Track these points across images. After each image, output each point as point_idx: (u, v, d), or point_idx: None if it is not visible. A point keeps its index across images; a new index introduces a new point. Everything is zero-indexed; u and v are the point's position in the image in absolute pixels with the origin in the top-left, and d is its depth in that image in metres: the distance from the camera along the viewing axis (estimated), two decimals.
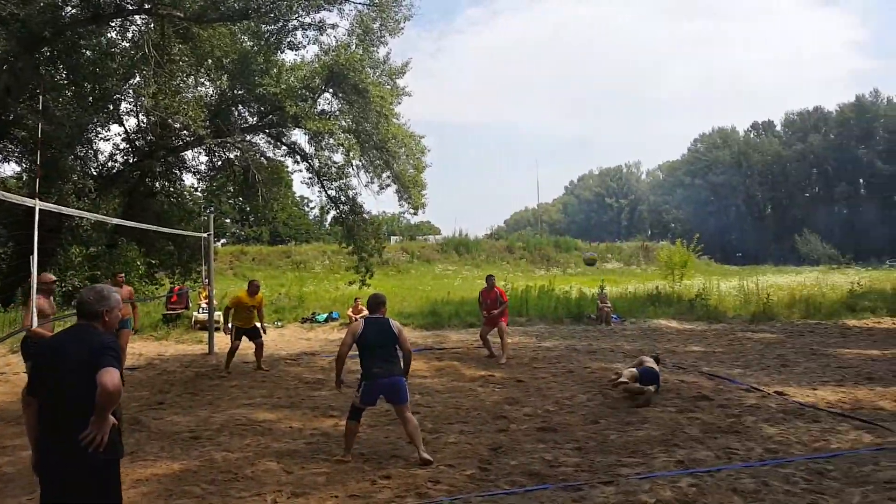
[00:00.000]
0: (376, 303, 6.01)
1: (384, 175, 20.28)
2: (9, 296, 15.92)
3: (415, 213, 21.36)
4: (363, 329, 5.74)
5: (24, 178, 18.95)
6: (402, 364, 5.78)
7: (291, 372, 10.33)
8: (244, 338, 10.41)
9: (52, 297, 7.36)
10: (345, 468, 5.47)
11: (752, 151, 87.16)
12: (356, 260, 20.48)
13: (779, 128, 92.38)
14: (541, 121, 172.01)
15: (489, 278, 12.03)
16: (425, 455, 5.50)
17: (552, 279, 24.36)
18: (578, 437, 6.34)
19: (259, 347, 10.46)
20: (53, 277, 7.81)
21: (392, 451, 5.96)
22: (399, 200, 20.68)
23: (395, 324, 5.88)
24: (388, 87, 19.70)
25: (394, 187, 20.42)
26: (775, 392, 8.22)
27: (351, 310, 15.95)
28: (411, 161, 20.30)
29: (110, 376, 2.83)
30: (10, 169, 19.00)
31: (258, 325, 10.61)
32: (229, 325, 10.57)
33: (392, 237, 45.64)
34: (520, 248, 46.04)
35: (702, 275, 30.05)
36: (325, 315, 16.90)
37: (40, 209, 5.80)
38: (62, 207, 5.83)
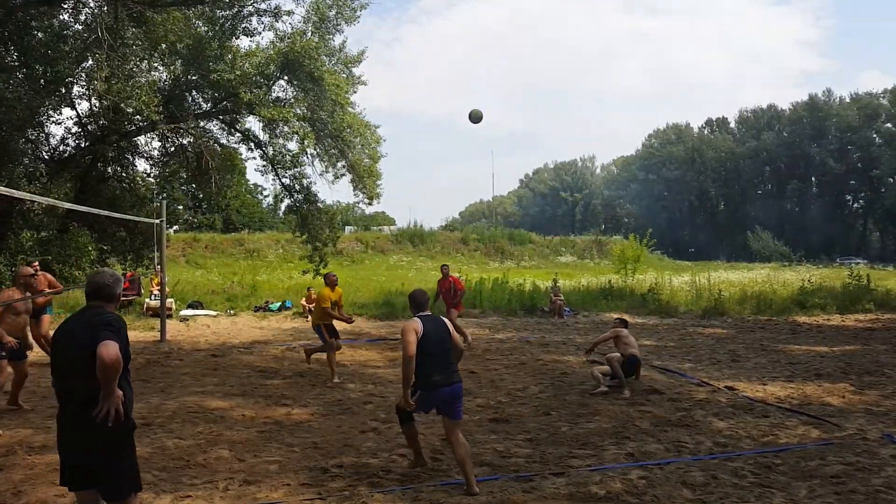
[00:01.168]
0: (425, 299, 5.28)
1: (339, 164, 20.13)
2: None
3: (370, 204, 21.33)
4: (424, 328, 4.93)
5: None
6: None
7: (244, 360, 10.35)
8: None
9: (27, 292, 7.04)
10: (297, 456, 5.57)
11: (705, 148, 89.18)
12: (310, 249, 20.30)
13: (733, 125, 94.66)
14: (496, 113, 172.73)
15: (443, 267, 12.33)
16: (475, 488, 4.72)
17: (506, 272, 24.74)
18: (530, 429, 6.46)
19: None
20: (31, 270, 7.37)
21: (344, 440, 6.06)
22: (354, 190, 20.53)
23: (446, 320, 5.25)
24: (344, 75, 19.55)
25: (349, 177, 20.27)
26: (725, 387, 8.40)
27: (304, 299, 15.97)
28: (367, 151, 20.20)
29: (106, 349, 2.95)
30: None
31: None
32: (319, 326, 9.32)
33: (346, 227, 45.33)
34: (474, 240, 46.38)
35: (654, 269, 30.92)
36: (278, 304, 16.89)
37: None
38: (13, 191, 5.74)
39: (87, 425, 3.05)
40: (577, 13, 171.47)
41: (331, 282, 9.29)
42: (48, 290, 8.72)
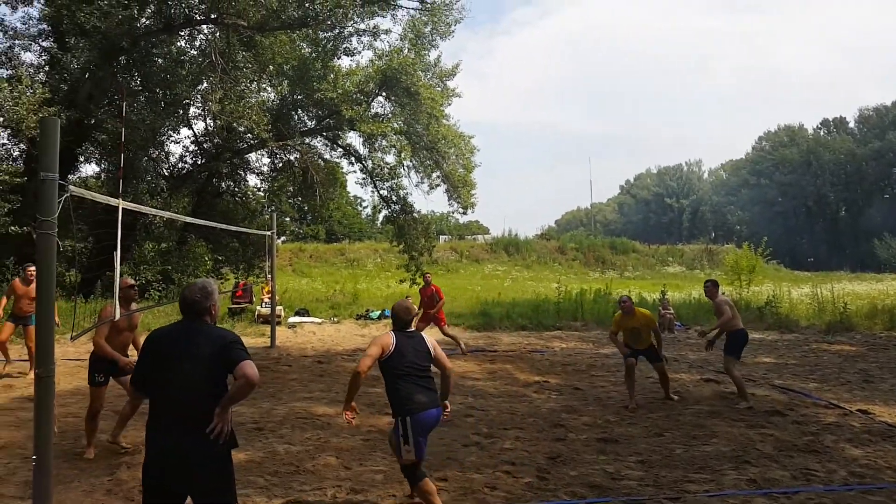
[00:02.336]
0: (409, 316, 4.76)
1: (434, 175, 20.54)
2: (90, 289, 16.81)
3: (464, 213, 21.50)
4: (396, 344, 4.49)
5: (103, 177, 19.93)
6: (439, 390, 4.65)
7: (348, 367, 10.53)
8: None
9: (130, 305, 6.30)
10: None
11: (822, 150, 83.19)
12: (406, 258, 20.74)
13: (852, 125, 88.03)
14: (593, 119, 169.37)
15: (425, 276, 12.80)
16: None
17: (608, 282, 24.01)
18: (641, 450, 6.11)
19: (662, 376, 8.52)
20: (132, 281, 6.55)
21: (447, 453, 5.99)
22: (449, 200, 20.88)
23: (429, 339, 4.75)
24: (439, 89, 20.01)
25: (443, 187, 20.63)
26: (859, 410, 7.71)
27: None
28: (461, 161, 20.47)
29: (252, 369, 3.01)
30: (91, 169, 20.07)
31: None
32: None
33: (441, 236, 45.71)
34: (572, 249, 45.33)
35: (771, 281, 28.96)
36: (378, 312, 17.23)
37: (119, 207, 6.03)
38: (141, 206, 6.10)
39: (196, 439, 3.02)
40: (672, 16, 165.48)
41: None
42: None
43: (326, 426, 6.96)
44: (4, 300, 9.15)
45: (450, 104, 20.13)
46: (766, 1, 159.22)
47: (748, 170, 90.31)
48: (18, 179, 15.81)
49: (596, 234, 65.86)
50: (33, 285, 8.55)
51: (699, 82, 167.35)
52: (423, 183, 20.57)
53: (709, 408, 7.85)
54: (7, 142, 17.46)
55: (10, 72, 17.58)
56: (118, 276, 5.75)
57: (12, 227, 15.63)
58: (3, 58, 18.79)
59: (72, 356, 10.58)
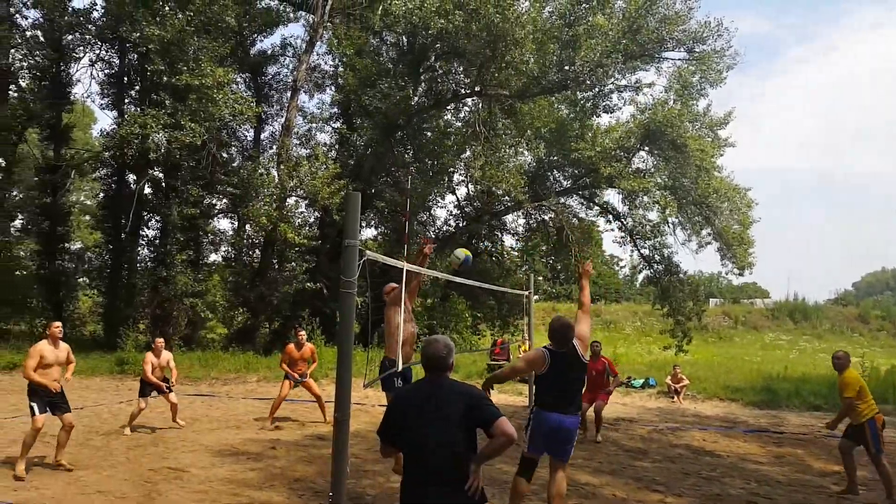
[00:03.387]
0: (569, 334, 5.17)
1: (704, 232, 19.29)
2: (367, 339, 18.74)
3: (740, 274, 19.63)
4: (551, 362, 5.06)
5: (379, 240, 22.33)
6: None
7: (610, 437, 10.01)
8: None
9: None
10: None
11: None
12: (671, 323, 19.56)
13: None
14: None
15: (594, 345, 10.01)
16: None
17: None
18: None
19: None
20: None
21: None
22: (721, 260, 19.38)
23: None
24: (709, 139, 18.84)
25: (715, 245, 19.23)
26: None
27: (669, 377, 15.05)
28: (736, 216, 18.92)
29: (510, 426, 3.05)
30: (369, 233, 22.69)
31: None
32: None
33: (712, 300, 42.30)
34: (877, 317, 38.43)
35: None
36: (640, 381, 16.23)
37: (404, 269, 6.61)
38: (422, 269, 6.60)
39: (451, 495, 3.05)
40: None
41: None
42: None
43: (591, 495, 6.59)
44: (285, 366, 9.95)
45: (722, 154, 18.91)
46: None
47: None
48: (314, 243, 18.46)
49: None
50: (305, 348, 9.90)
51: None
52: (690, 241, 19.46)
53: None
54: (304, 210, 20.53)
55: (308, 151, 20.89)
56: (401, 332, 6.23)
57: (308, 284, 18.20)
58: (304, 139, 22.46)
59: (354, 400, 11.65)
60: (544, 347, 5.15)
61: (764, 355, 26.03)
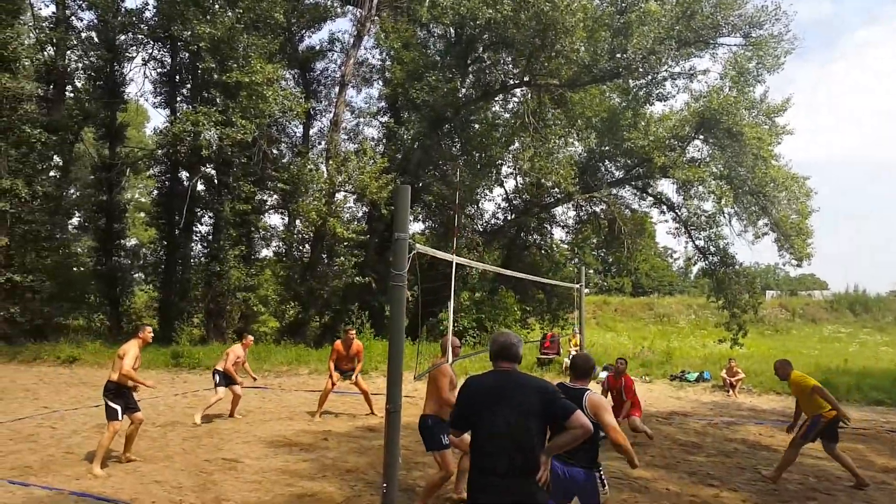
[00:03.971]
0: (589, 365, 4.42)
1: (760, 222, 18.71)
2: (415, 333, 18.83)
3: (798, 265, 18.92)
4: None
5: (427, 234, 22.36)
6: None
7: (663, 431, 9.78)
8: None
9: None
10: None
11: None
12: (726, 316, 19.08)
13: None
14: None
15: (619, 362, 9.02)
16: None
17: None
18: None
19: None
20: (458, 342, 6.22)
21: None
22: (779, 251, 18.73)
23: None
24: (766, 126, 18.19)
25: (772, 236, 18.61)
26: None
27: (725, 371, 14.61)
28: (793, 206, 18.24)
29: (585, 419, 3.10)
30: (417, 227, 22.72)
31: None
32: None
33: (768, 292, 40.92)
34: None
35: None
36: (695, 374, 15.81)
37: (454, 262, 6.56)
38: (471, 262, 6.52)
39: (520, 485, 3.06)
40: None
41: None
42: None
43: (644, 489, 6.45)
44: (332, 364, 9.87)
45: (779, 143, 18.23)
46: None
47: None
48: (363, 237, 18.60)
49: None
50: (354, 346, 9.82)
51: None
52: (746, 232, 18.87)
53: None
54: (353, 205, 20.70)
55: (356, 146, 21.03)
56: (451, 323, 6.14)
57: (357, 278, 18.35)
58: (352, 134, 22.64)
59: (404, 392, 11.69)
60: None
61: (822, 348, 25.10)
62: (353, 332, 10.17)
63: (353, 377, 9.88)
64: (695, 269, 47.20)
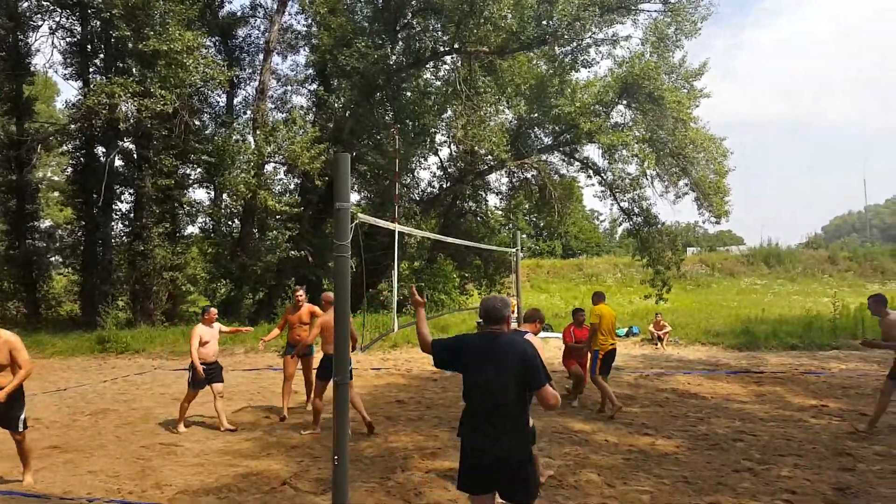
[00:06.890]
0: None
1: (681, 183, 19.50)
2: (355, 304, 18.76)
3: (717, 222, 19.91)
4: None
5: (362, 204, 22.19)
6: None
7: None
8: None
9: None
10: (668, 489, 5.24)
11: None
12: (651, 273, 19.90)
13: None
14: (866, 114, 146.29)
15: (580, 314, 9.28)
16: None
17: (893, 295, 20.32)
18: None
19: None
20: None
21: (717, 478, 5.52)
22: (698, 210, 19.60)
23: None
24: (685, 91, 18.87)
25: (692, 195, 19.45)
26: None
27: (652, 325, 15.37)
28: (711, 166, 19.11)
29: (555, 397, 3.28)
30: (353, 197, 22.32)
31: None
32: None
33: (689, 248, 42.84)
34: (845, 258, 39.44)
35: None
36: (624, 329, 16.56)
37: (396, 231, 6.60)
38: (414, 230, 6.61)
39: (507, 432, 3.29)
40: None
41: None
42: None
43: (584, 442, 6.80)
44: (277, 330, 9.00)
45: (697, 105, 18.95)
46: None
47: None
48: (296, 210, 18.23)
49: (872, 241, 56.69)
50: (303, 309, 8.50)
51: None
52: (668, 192, 19.64)
53: None
54: (284, 177, 20.23)
55: (284, 115, 20.50)
56: (396, 290, 6.19)
57: (292, 252, 18.07)
58: (279, 102, 22.03)
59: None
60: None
61: (741, 300, 26.63)
62: (302, 293, 8.72)
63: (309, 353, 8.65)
64: (620, 230, 48.96)
